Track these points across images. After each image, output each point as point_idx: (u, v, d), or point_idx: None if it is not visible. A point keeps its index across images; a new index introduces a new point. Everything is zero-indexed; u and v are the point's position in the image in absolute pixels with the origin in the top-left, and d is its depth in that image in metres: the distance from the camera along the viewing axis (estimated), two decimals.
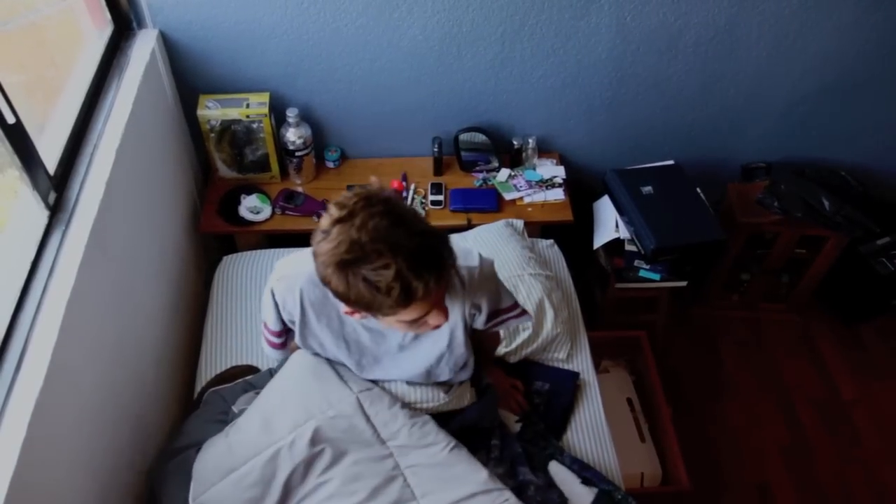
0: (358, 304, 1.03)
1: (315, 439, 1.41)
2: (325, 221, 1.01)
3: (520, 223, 2.19)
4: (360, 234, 0.97)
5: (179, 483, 1.50)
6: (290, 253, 2.08)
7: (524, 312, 1.47)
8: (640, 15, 2.09)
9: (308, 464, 1.41)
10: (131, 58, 1.88)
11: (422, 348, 1.41)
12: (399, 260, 0.96)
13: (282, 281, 1.33)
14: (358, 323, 1.34)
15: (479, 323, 1.42)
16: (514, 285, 1.93)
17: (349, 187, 2.30)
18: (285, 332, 1.45)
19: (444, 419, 1.52)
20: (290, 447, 1.41)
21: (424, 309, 1.07)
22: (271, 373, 1.73)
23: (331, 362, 1.50)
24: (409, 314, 1.06)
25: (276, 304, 1.36)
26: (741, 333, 2.71)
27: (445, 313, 1.14)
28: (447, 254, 1.04)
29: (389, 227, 0.97)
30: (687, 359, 2.61)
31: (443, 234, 1.06)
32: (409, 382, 1.51)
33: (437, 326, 1.16)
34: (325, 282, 1.03)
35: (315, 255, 1.03)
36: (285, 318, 1.39)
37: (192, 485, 1.44)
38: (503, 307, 1.42)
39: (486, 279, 1.35)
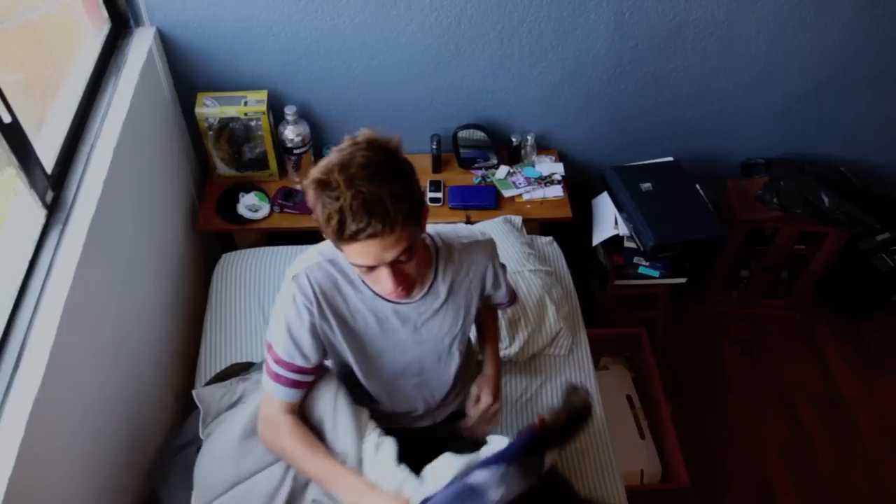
0: (322, 225, 1.09)
1: None
2: (334, 148, 1.10)
3: (518, 219, 2.19)
4: (338, 162, 1.05)
5: (180, 481, 1.50)
6: (289, 252, 2.11)
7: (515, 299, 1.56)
8: (638, 11, 2.08)
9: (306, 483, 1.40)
10: (129, 56, 1.88)
11: (437, 328, 1.37)
12: (347, 195, 1.02)
13: (295, 284, 1.26)
14: (367, 312, 1.31)
15: (500, 296, 1.48)
16: (515, 282, 1.93)
17: None
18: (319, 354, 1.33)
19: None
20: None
21: (370, 257, 1.10)
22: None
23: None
24: (355, 255, 1.10)
25: (308, 315, 1.26)
26: (741, 330, 2.71)
27: (405, 284, 1.16)
28: (404, 216, 1.06)
29: (362, 165, 1.04)
30: (687, 356, 2.61)
31: (415, 201, 1.10)
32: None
33: (400, 293, 1.17)
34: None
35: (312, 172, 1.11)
36: (314, 321, 1.28)
37: (194, 492, 1.43)
38: (503, 288, 1.47)
39: (488, 254, 1.39)
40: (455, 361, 1.45)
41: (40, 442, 1.14)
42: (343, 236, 1.06)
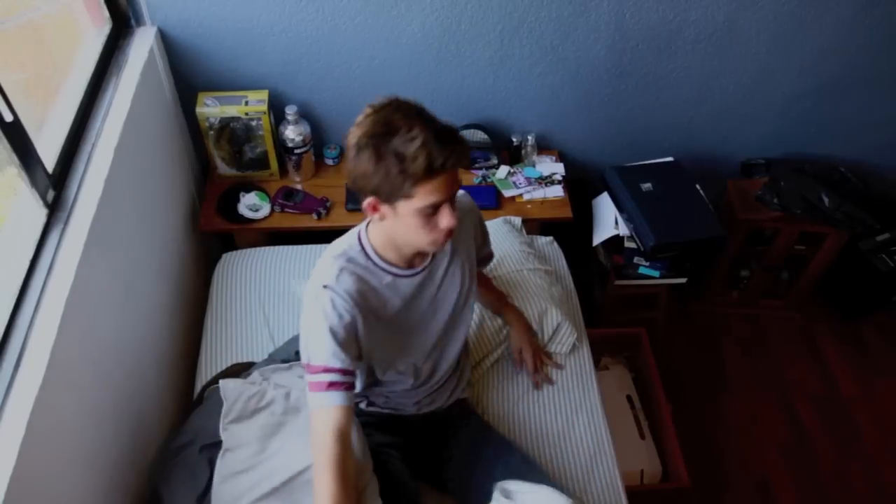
0: (384, 180, 1.14)
1: None
2: (358, 119, 1.17)
3: (517, 220, 2.19)
4: (390, 112, 1.14)
5: (182, 480, 1.51)
6: (290, 252, 2.11)
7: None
8: (638, 12, 2.08)
9: None
10: (130, 56, 1.88)
11: (450, 290, 1.44)
12: (426, 131, 1.12)
13: (327, 290, 1.27)
14: (392, 296, 1.35)
15: (486, 249, 1.61)
16: (514, 281, 1.93)
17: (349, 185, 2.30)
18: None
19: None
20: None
21: (442, 192, 1.17)
22: (271, 357, 1.77)
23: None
24: (430, 193, 1.16)
25: (339, 318, 1.26)
26: (741, 330, 2.71)
27: (456, 216, 1.23)
28: (464, 140, 1.19)
29: (415, 108, 1.17)
30: (687, 356, 2.61)
31: None
32: None
33: (450, 232, 1.23)
34: (356, 173, 1.16)
35: (348, 148, 1.17)
36: (355, 323, 1.29)
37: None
38: (488, 240, 1.60)
39: (472, 207, 1.50)
40: (468, 318, 1.54)
41: (41, 442, 1.14)
42: (432, 170, 1.12)
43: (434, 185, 1.15)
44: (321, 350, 1.25)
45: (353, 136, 1.16)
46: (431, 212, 1.19)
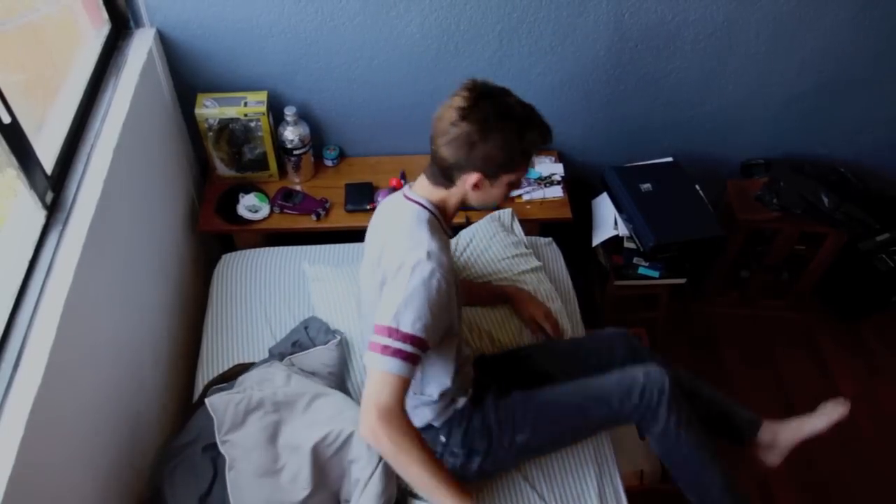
0: (507, 159, 1.32)
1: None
2: (457, 102, 1.30)
3: (507, 213, 2.17)
4: (502, 96, 1.32)
5: (185, 479, 1.51)
6: (289, 252, 2.11)
7: None
8: (637, 12, 2.08)
9: None
10: (129, 57, 1.88)
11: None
12: (534, 114, 1.34)
13: (431, 260, 1.30)
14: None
15: None
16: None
17: (348, 185, 2.30)
18: None
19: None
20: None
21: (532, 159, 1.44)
22: (271, 352, 1.79)
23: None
24: (525, 166, 1.39)
25: (438, 291, 1.30)
26: (741, 330, 2.71)
27: None
28: None
29: (509, 92, 1.34)
30: (686, 356, 2.60)
31: None
32: None
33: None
34: (478, 153, 1.31)
35: (451, 129, 1.31)
36: (444, 290, 1.34)
37: None
38: None
39: None
40: None
41: (40, 442, 1.14)
42: (544, 140, 1.34)
43: (531, 157, 1.39)
44: (415, 320, 1.26)
45: (469, 119, 1.28)
46: (520, 180, 1.42)
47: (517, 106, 1.32)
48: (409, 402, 1.48)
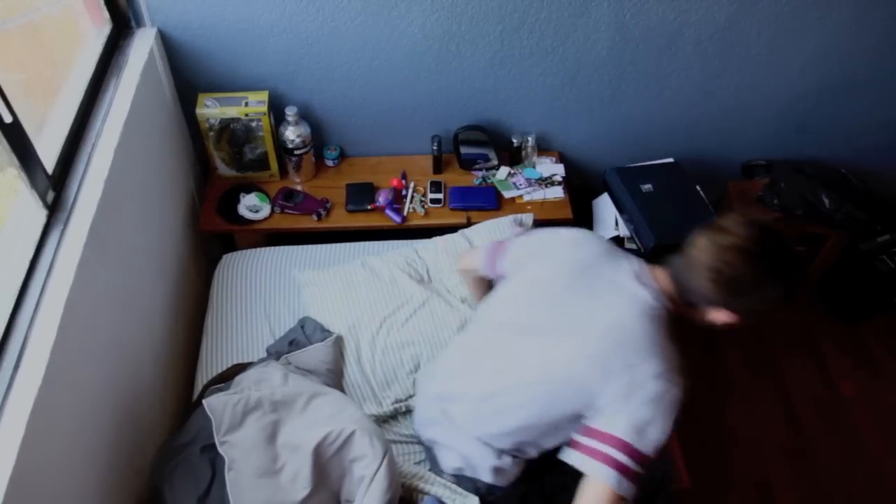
0: (762, 308, 1.31)
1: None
2: (736, 241, 1.31)
3: (529, 218, 2.18)
4: (776, 248, 1.33)
5: (183, 480, 1.51)
6: (290, 252, 2.11)
7: None
8: (639, 12, 2.08)
9: None
10: (130, 56, 1.88)
11: None
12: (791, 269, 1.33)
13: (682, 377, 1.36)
14: None
15: None
16: None
17: (349, 185, 2.30)
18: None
19: None
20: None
21: None
22: (268, 351, 1.78)
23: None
24: None
25: None
26: (741, 331, 2.71)
27: None
28: None
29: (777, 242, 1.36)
30: (686, 356, 2.60)
31: None
32: None
33: None
34: (749, 302, 1.30)
35: (728, 273, 1.29)
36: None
37: None
38: None
39: None
40: None
41: (40, 442, 1.14)
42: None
43: None
44: (658, 442, 1.24)
45: (743, 264, 1.26)
46: None
47: (788, 262, 1.30)
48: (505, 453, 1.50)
